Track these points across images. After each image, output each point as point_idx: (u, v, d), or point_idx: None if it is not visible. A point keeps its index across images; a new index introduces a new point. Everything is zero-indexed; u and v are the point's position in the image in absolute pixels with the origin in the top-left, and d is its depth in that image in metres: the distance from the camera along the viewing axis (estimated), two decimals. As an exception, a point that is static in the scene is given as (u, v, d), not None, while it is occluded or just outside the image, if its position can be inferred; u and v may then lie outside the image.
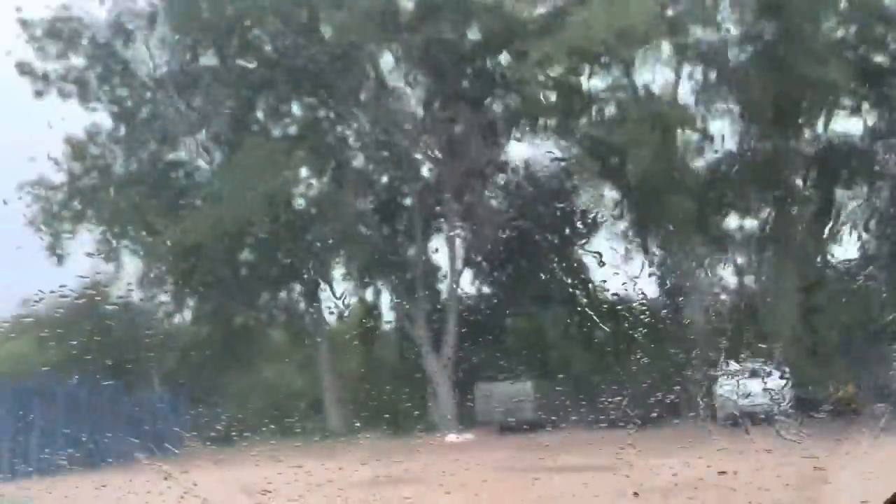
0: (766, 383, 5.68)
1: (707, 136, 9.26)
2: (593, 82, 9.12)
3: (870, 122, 8.88)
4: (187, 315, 9.91)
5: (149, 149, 9.24)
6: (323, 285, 9.46)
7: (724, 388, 6.18)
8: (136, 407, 8.07)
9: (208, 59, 9.22)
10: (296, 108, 9.35)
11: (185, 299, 9.58)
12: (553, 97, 9.05)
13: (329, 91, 8.95)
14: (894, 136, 8.76)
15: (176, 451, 6.18)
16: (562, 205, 9.21)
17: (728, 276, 8.98)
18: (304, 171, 9.27)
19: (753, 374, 6.00)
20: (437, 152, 9.26)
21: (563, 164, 9.32)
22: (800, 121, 8.90)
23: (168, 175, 9.21)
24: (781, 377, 6.12)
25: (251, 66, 8.90)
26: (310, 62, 8.68)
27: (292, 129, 9.26)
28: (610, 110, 9.36)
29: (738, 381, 5.92)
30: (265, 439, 6.06)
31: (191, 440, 6.76)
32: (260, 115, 9.30)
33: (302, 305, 9.79)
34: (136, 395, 8.66)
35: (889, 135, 8.77)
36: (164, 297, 9.44)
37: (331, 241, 9.02)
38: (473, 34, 9.06)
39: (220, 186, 8.64)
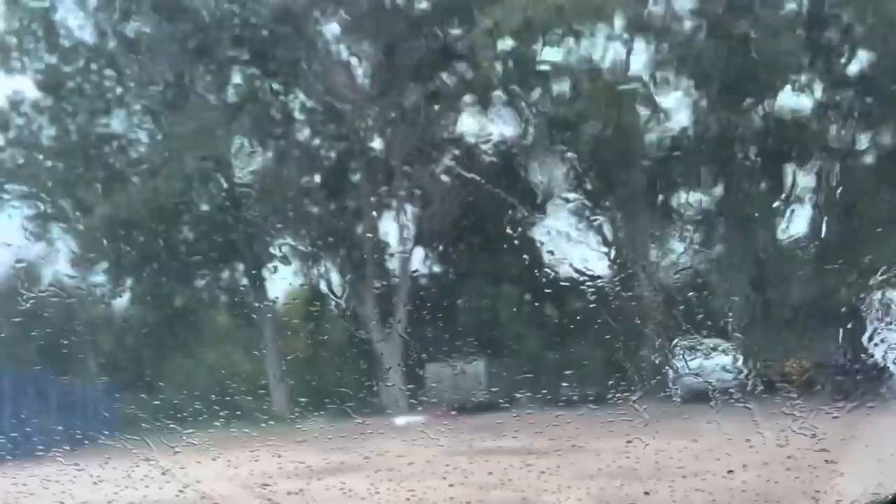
0: (721, 359, 5.61)
1: (659, 111, 9.22)
2: (545, 54, 9.00)
3: (820, 98, 8.95)
4: (125, 297, 9.58)
5: (78, 120, 8.82)
6: (267, 264, 9.17)
7: (680, 364, 6.10)
8: (67, 395, 7.75)
9: (142, 25, 8.79)
10: (236, 78, 9.02)
11: (121, 280, 9.19)
12: (504, 69, 8.89)
13: (271, 60, 8.61)
14: (844, 111, 8.83)
15: (109, 440, 5.95)
16: (514, 181, 9.07)
17: (681, 251, 8.98)
18: (245, 144, 8.93)
19: (708, 349, 5.93)
20: (385, 126, 9.03)
21: (514, 138, 9.19)
22: (751, 96, 8.91)
23: (100, 148, 8.79)
24: (737, 352, 6.05)
25: (188, 31, 8.51)
26: (250, 28, 8.34)
27: (232, 100, 8.90)
28: (562, 84, 9.25)
29: (693, 357, 5.86)
30: (206, 425, 5.85)
31: (126, 428, 6.53)
32: (197, 84, 8.90)
33: (245, 285, 9.49)
34: (68, 382, 8.34)
35: (839, 110, 8.84)
36: (98, 278, 9.08)
37: (274, 218, 8.72)
38: (422, 2, 8.83)
39: (154, 159, 8.28)
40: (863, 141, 8.80)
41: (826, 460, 3.26)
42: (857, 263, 7.71)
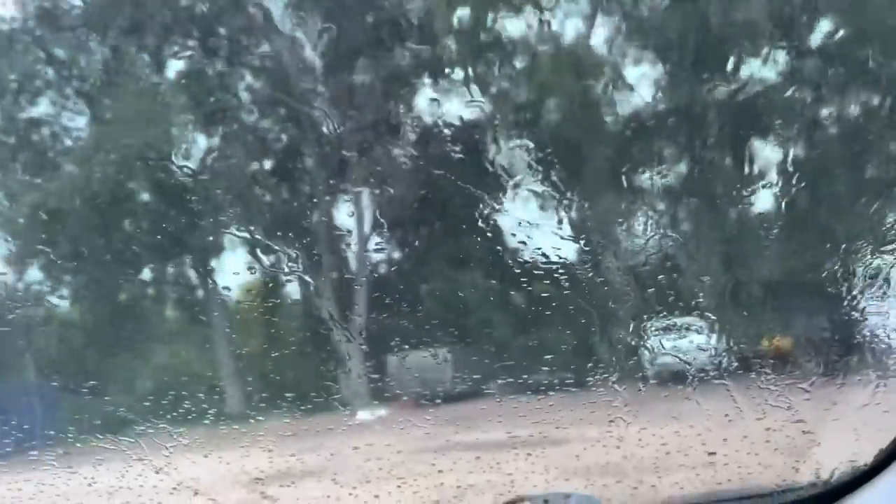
0: (697, 338, 5.44)
1: (623, 86, 9.02)
2: (504, 27, 8.74)
3: (787, 70, 8.85)
4: (64, 294, 9.08)
5: (2, 103, 8.29)
6: (216, 256, 8.74)
7: (655, 344, 5.90)
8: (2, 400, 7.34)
9: (71, 2, 8.30)
10: (175, 56, 8.57)
11: (58, 275, 8.70)
12: (460, 45, 8.60)
13: (212, 37, 8.20)
14: (813, 82, 8.74)
15: (46, 446, 5.66)
16: (475, 162, 8.80)
17: (648, 230, 8.82)
18: (186, 128, 8.49)
19: (681, 329, 5.75)
20: (338, 106, 8.66)
21: (475, 118, 8.90)
22: (717, 69, 8.77)
23: (27, 133, 8.29)
24: (710, 332, 5.87)
25: (121, 7, 8.04)
26: (189, 3, 7.92)
27: (171, 79, 8.46)
28: (522, 59, 9.00)
29: (668, 337, 5.67)
30: (153, 428, 5.57)
31: (67, 433, 6.20)
32: (133, 63, 8.44)
33: (193, 278, 9.06)
34: (3, 385, 7.91)
35: (807, 82, 8.74)
36: (35, 275, 8.58)
37: (222, 207, 8.31)
38: (374, -27, 8.48)
39: (86, 144, 7.83)
40: (831, 113, 8.71)
41: (803, 431, 3.29)
42: (828, 238, 7.63)
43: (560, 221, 8.89)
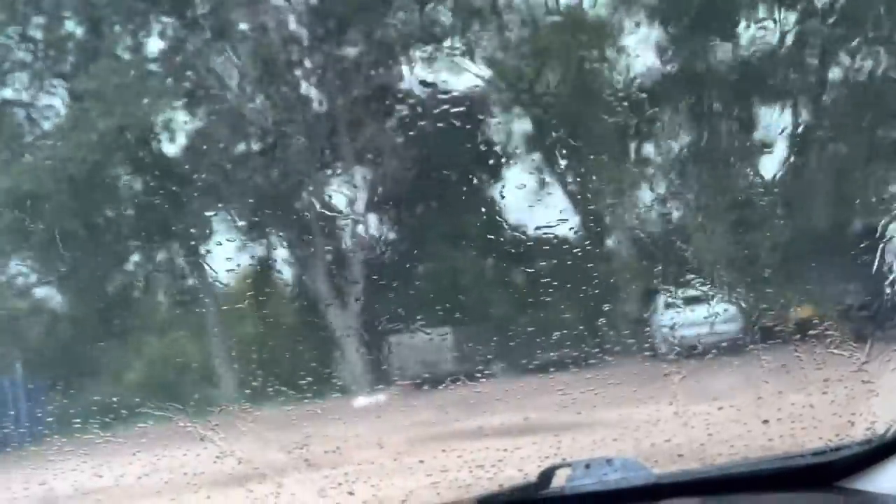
0: (709, 310, 5.20)
1: (623, 52, 8.76)
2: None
3: (792, 29, 8.60)
4: (49, 285, 8.87)
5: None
6: (205, 240, 8.51)
7: (664, 319, 5.68)
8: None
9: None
10: (155, 32, 8.31)
11: (45, 265, 8.48)
12: (455, 11, 8.34)
13: (193, 9, 7.93)
14: (816, 45, 8.49)
15: (33, 441, 5.52)
16: (472, 134, 8.56)
17: (654, 201, 8.61)
18: (168, 107, 8.24)
19: (694, 301, 5.51)
20: (326, 81, 8.42)
21: (470, 89, 8.65)
22: (720, 32, 8.52)
23: (4, 117, 8.03)
24: (725, 301, 5.62)
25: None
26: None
27: (151, 56, 8.20)
28: (519, 25, 8.73)
29: (678, 310, 5.45)
30: (145, 420, 5.42)
31: (56, 427, 6.06)
32: (111, 39, 8.18)
33: (183, 265, 8.82)
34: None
35: (813, 41, 8.49)
36: (19, 265, 8.36)
37: (208, 189, 8.07)
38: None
39: (61, 124, 7.57)
40: (844, 72, 8.46)
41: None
42: (843, 199, 7.39)
43: (561, 195, 8.69)
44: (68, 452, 4.44)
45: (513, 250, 7.45)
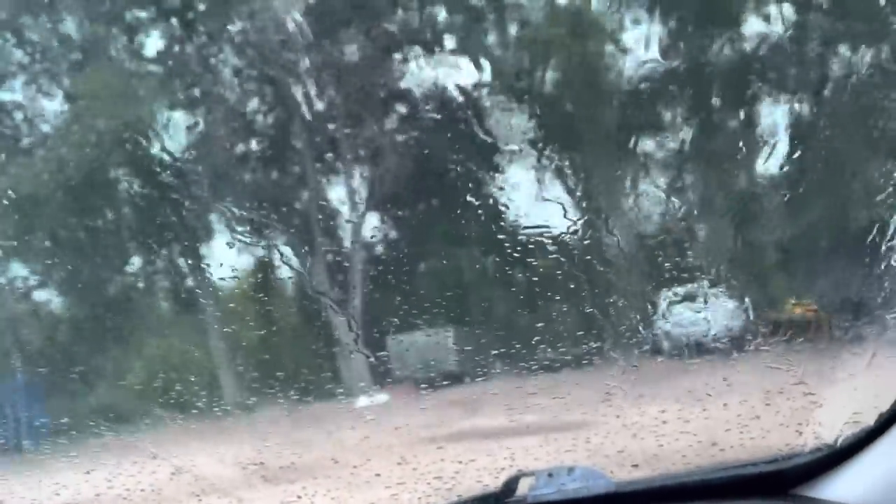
0: (706, 307, 5.20)
1: (623, 49, 8.73)
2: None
3: (793, 23, 8.57)
4: (50, 288, 8.86)
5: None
6: (204, 241, 8.50)
7: (661, 317, 5.66)
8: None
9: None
10: (153, 33, 8.30)
11: (44, 268, 8.47)
12: (452, 8, 8.32)
13: (189, 10, 7.92)
14: (816, 40, 8.45)
15: (33, 445, 5.57)
16: (471, 133, 8.54)
17: (654, 198, 8.58)
18: (166, 108, 8.22)
19: (690, 298, 5.50)
20: (324, 80, 8.38)
21: (468, 87, 8.63)
22: (721, 28, 8.48)
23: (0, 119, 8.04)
24: (724, 298, 5.62)
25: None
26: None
27: (149, 57, 8.20)
28: (516, 22, 8.71)
29: (675, 307, 5.44)
30: (147, 424, 5.45)
31: (53, 432, 6.07)
32: (109, 41, 8.17)
33: (183, 267, 8.81)
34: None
35: (812, 40, 8.45)
36: (19, 269, 8.35)
37: (208, 190, 8.06)
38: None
39: (60, 127, 7.57)
40: (842, 66, 8.42)
41: (804, 393, 3.18)
42: (842, 196, 7.36)
43: (559, 193, 8.66)
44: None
45: (513, 249, 7.44)
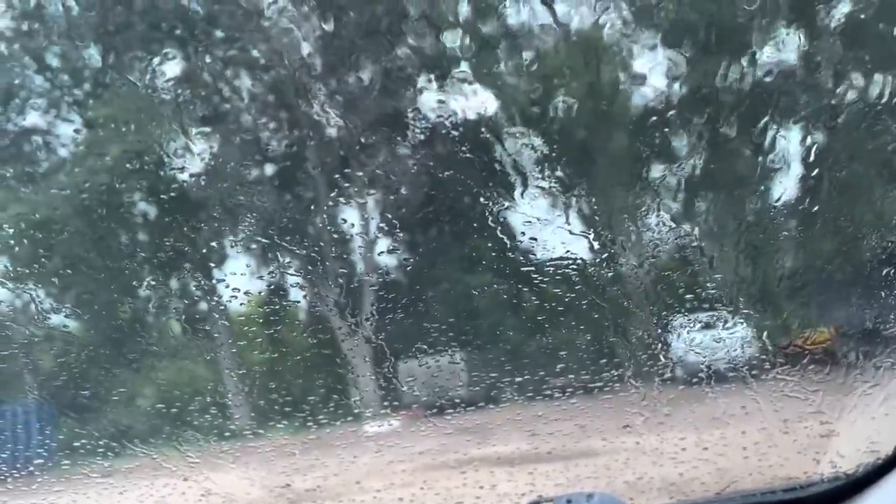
0: (724, 334, 5.16)
1: (634, 76, 8.75)
2: (510, 19, 8.50)
3: (806, 51, 8.56)
4: (63, 311, 8.88)
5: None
6: (218, 265, 8.52)
7: (678, 343, 5.61)
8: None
9: (59, 6, 8.12)
10: (168, 59, 8.37)
11: (58, 292, 8.49)
12: (465, 38, 8.37)
13: (204, 36, 8.00)
14: (829, 66, 8.44)
15: (42, 467, 5.55)
16: (483, 159, 8.55)
17: (664, 224, 8.55)
18: (181, 133, 8.28)
19: (708, 325, 5.46)
20: (338, 105, 8.44)
21: (481, 113, 8.65)
22: (732, 55, 8.49)
23: (19, 143, 8.11)
24: (742, 326, 5.58)
25: (113, 10, 7.86)
26: (180, 1, 7.72)
27: (165, 82, 8.25)
28: (528, 51, 8.74)
29: (692, 334, 5.39)
30: (156, 447, 5.44)
31: (69, 454, 6.07)
32: (126, 66, 8.25)
33: (195, 290, 8.82)
34: (4, 407, 7.76)
35: (824, 65, 8.44)
36: (34, 292, 8.38)
37: (221, 214, 8.08)
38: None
39: (79, 151, 7.64)
40: (853, 95, 8.40)
41: (822, 422, 3.19)
42: (857, 224, 7.32)
43: (572, 218, 8.64)
44: (61, 488, 4.49)
45: (524, 274, 7.43)
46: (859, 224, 7.35)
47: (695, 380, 4.92)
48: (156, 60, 8.54)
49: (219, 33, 8.26)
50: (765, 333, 5.46)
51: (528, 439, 4.16)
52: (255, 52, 8.43)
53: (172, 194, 7.99)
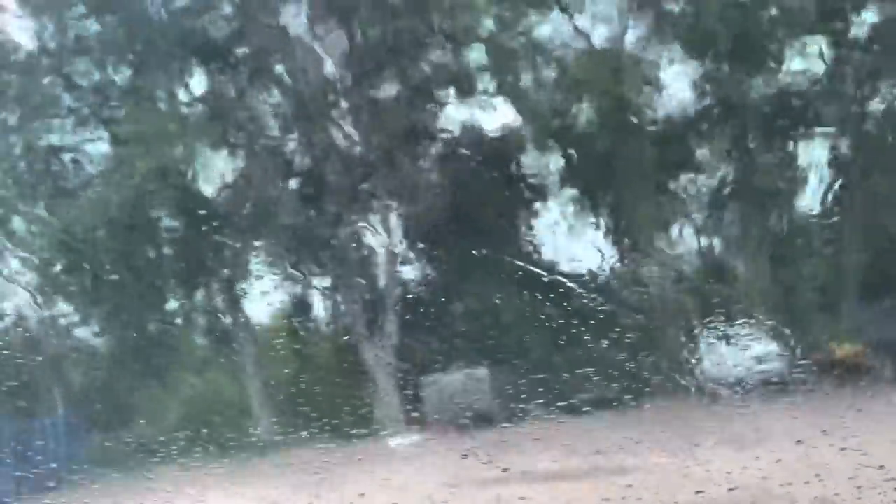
0: (754, 348, 5.05)
1: (658, 88, 8.68)
2: (533, 33, 8.48)
3: (831, 62, 8.44)
4: (91, 325, 8.95)
5: (23, 131, 8.22)
6: (243, 280, 8.54)
7: (708, 357, 5.50)
8: (27, 435, 7.18)
9: (89, 26, 8.23)
10: (195, 77, 8.45)
11: (86, 306, 8.56)
12: (488, 51, 8.36)
13: (231, 56, 8.04)
14: (856, 78, 8.31)
15: (70, 479, 5.54)
16: (507, 173, 8.52)
17: (691, 237, 8.44)
18: (208, 150, 8.34)
19: (737, 338, 5.34)
20: (362, 122, 8.45)
21: (504, 127, 8.62)
22: (757, 66, 8.40)
23: (48, 161, 8.20)
24: (771, 339, 5.44)
25: (139, 29, 7.94)
26: (208, 22, 7.78)
27: (190, 100, 8.33)
28: (551, 64, 8.71)
29: (722, 348, 5.28)
30: (184, 461, 5.42)
31: (95, 468, 6.08)
32: (153, 85, 8.33)
33: (221, 304, 8.85)
34: (33, 420, 7.79)
35: (851, 73, 8.32)
36: (63, 307, 8.46)
37: (247, 230, 8.11)
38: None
39: (105, 168, 7.69)
40: (881, 103, 8.26)
41: (855, 439, 3.04)
42: (888, 236, 7.15)
43: (598, 231, 8.57)
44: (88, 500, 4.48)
45: (549, 288, 7.34)
46: (892, 236, 7.20)
47: (722, 396, 4.80)
48: (182, 79, 8.65)
49: (244, 51, 8.30)
50: (794, 348, 5.35)
51: (554, 456, 4.06)
52: (279, 70, 8.48)
53: (198, 210, 8.03)
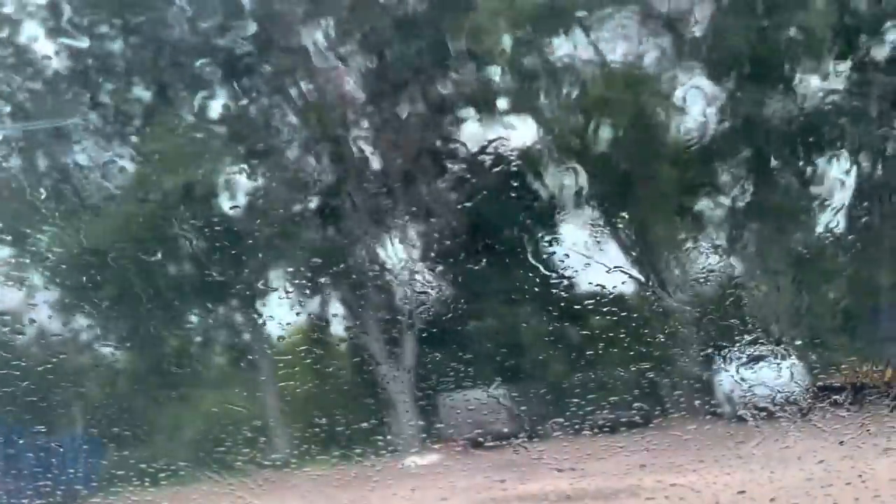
0: (774, 369, 4.98)
1: (677, 108, 8.66)
2: (552, 52, 8.51)
3: (853, 84, 8.39)
4: (111, 341, 9.01)
5: (47, 148, 8.35)
6: (261, 297, 8.57)
7: (726, 379, 5.44)
8: (43, 451, 7.22)
9: (112, 43, 8.37)
10: (216, 94, 8.57)
11: (105, 321, 8.62)
12: (508, 69, 8.39)
13: (251, 73, 8.15)
14: (877, 96, 8.26)
15: (88, 496, 5.60)
16: (526, 191, 8.51)
17: (711, 258, 8.37)
18: (227, 165, 8.42)
19: (757, 361, 5.27)
20: (381, 139, 8.50)
21: (523, 145, 8.64)
22: (778, 85, 8.36)
23: (70, 176, 8.31)
24: (791, 361, 5.37)
25: (163, 47, 8.07)
26: (228, 39, 7.88)
27: (211, 117, 8.44)
28: (571, 85, 8.73)
29: (740, 370, 5.22)
30: (198, 477, 5.45)
31: (113, 483, 6.11)
32: (174, 102, 8.45)
33: (239, 321, 8.88)
34: (49, 435, 7.83)
35: (870, 96, 8.26)
36: (82, 321, 8.52)
37: (265, 246, 8.15)
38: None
39: (127, 185, 7.79)
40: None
41: (871, 460, 3.13)
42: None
43: (617, 251, 8.52)
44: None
45: (568, 308, 7.31)
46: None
47: (744, 417, 4.73)
48: (205, 96, 8.75)
49: (265, 69, 8.41)
50: (812, 369, 5.26)
51: (571, 476, 4.02)
52: (300, 89, 8.56)
53: (218, 227, 8.08)
